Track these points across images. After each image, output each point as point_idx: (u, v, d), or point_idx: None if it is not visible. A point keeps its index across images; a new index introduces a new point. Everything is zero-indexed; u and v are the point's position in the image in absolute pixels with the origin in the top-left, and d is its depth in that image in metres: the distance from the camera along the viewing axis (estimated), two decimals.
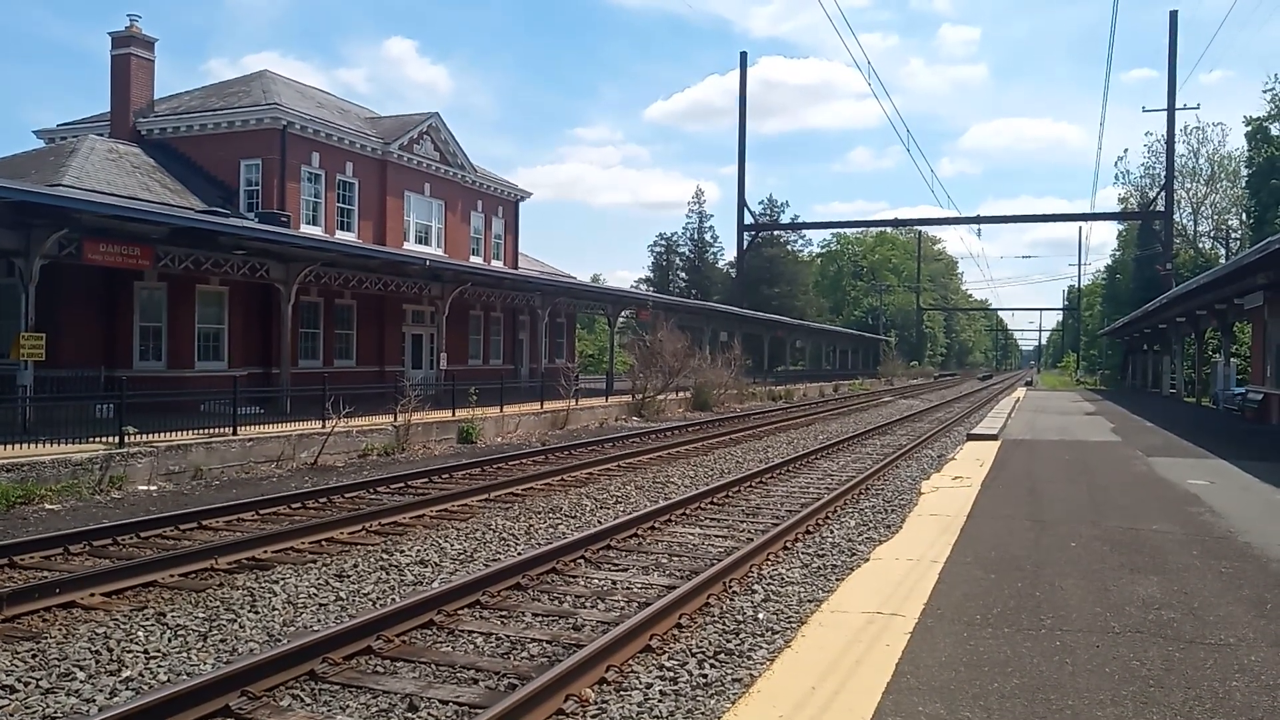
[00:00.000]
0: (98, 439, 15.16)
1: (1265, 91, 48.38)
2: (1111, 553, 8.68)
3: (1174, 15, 53.91)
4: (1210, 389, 38.13)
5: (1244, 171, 55.97)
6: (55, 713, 5.68)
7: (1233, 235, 65.04)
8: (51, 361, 18.03)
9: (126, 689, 6.06)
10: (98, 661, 6.54)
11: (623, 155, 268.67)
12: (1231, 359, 35.31)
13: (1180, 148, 64.36)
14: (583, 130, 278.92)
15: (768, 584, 8.79)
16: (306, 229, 28.82)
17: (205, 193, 27.63)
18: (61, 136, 30.97)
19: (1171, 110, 54.31)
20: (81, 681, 6.16)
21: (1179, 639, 6.09)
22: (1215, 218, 71.52)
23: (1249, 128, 48.64)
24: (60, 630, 7.26)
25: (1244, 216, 59.45)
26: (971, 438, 21.02)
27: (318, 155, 29.97)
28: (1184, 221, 69.28)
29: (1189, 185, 70.55)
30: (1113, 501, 11.75)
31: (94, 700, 5.87)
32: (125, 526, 10.77)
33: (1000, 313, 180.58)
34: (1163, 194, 56.55)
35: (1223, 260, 54.33)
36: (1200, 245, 69.54)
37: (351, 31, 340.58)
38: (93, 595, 8.00)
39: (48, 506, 12.80)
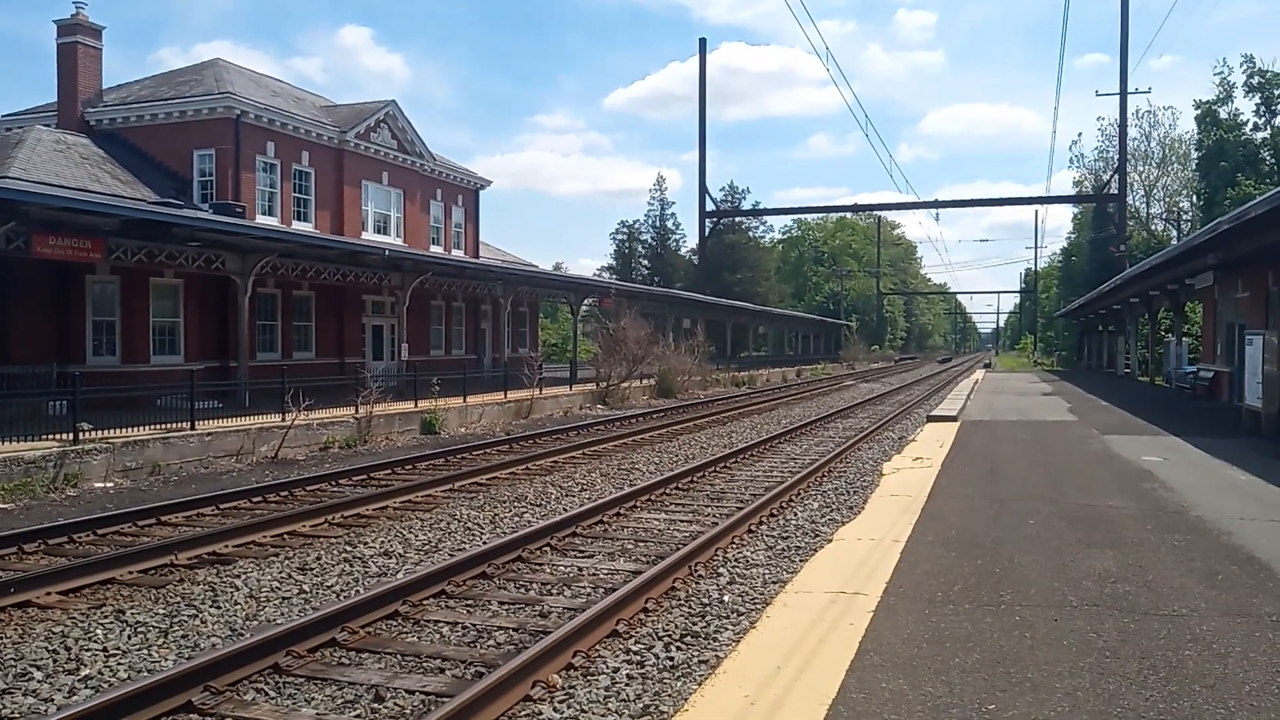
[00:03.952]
0: (51, 436, 14.88)
1: (1215, 75, 49.27)
2: (1069, 529, 8.84)
3: (1125, 1, 54.60)
4: (1163, 368, 38.89)
5: (1194, 154, 56.96)
6: (12, 713, 5.58)
7: (1184, 217, 66.21)
8: (0, 358, 17.62)
9: (85, 687, 5.97)
10: (55, 661, 6.43)
11: (583, 143, 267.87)
12: (1184, 338, 36.02)
13: (1132, 131, 65.41)
14: (542, 118, 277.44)
15: (733, 567, 8.85)
16: (262, 219, 28.41)
17: (158, 184, 27.12)
18: (6, 127, 30.22)
19: (1124, 95, 55.09)
20: (39, 681, 6.06)
21: (1134, 611, 6.22)
22: (1167, 200, 72.79)
23: (1199, 111, 49.49)
24: (16, 630, 7.13)
25: (1195, 198, 60.54)
26: (932, 419, 21.26)
27: (273, 144, 29.51)
28: (1137, 204, 70.47)
29: (1141, 168, 71.74)
30: (1070, 479, 11.96)
31: (52, 700, 5.77)
32: (81, 524, 10.59)
33: (959, 296, 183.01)
34: (1116, 177, 57.44)
35: (1174, 241, 55.36)
36: (1153, 227, 70.77)
37: (306, 20, 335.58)
38: (49, 594, 7.86)
39: (0, 506, 12.54)
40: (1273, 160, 45.93)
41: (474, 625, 7.13)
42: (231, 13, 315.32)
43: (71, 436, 14.81)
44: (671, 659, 6.32)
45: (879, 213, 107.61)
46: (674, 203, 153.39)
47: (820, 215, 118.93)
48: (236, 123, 28.02)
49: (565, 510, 11.70)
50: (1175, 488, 11.20)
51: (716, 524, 10.54)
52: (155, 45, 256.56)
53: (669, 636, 6.79)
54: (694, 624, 7.10)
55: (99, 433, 15.35)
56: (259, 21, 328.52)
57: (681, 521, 11.18)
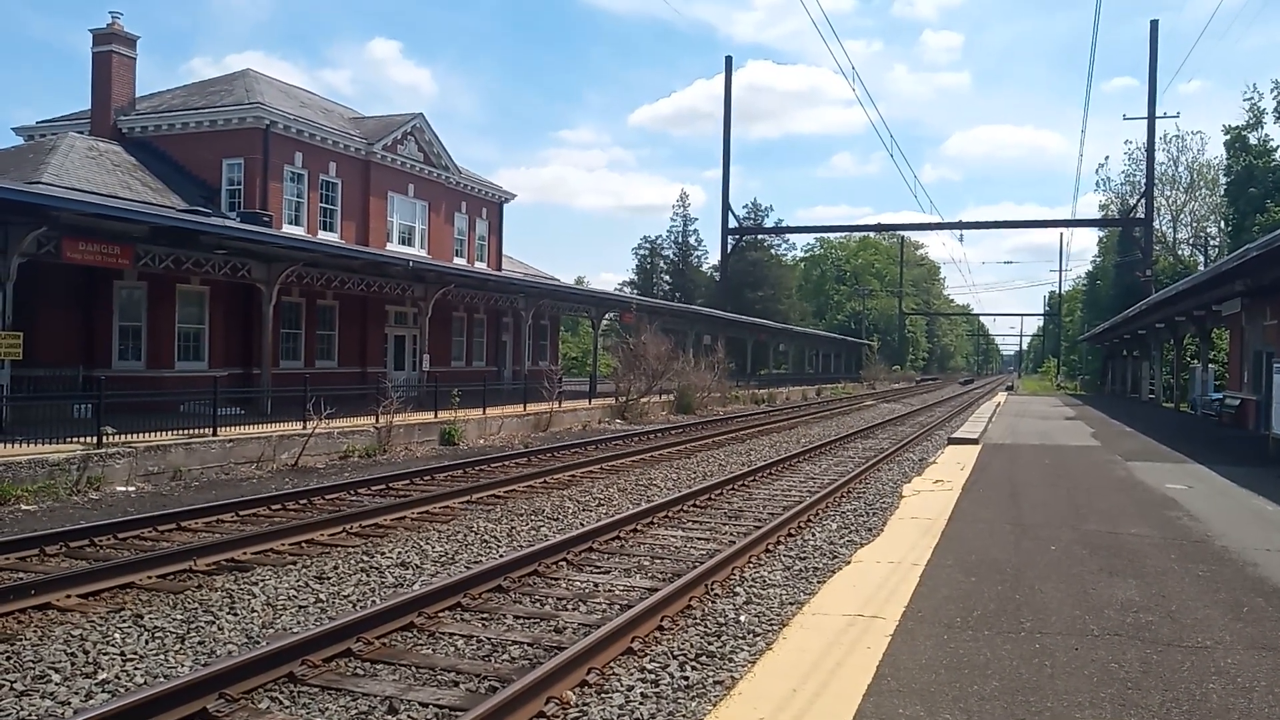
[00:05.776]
0: (75, 439, 15.02)
1: (1245, 100, 48.90)
2: (1090, 556, 8.74)
3: (1154, 25, 54.14)
4: (1189, 394, 38.46)
5: (1223, 180, 56.48)
6: (30, 715, 5.61)
7: (1211, 242, 65.64)
8: (29, 360, 17.83)
9: (103, 691, 6.00)
10: (73, 664, 6.47)
11: (608, 159, 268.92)
12: (1210, 365, 35.63)
13: (1160, 156, 64.84)
14: (567, 133, 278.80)
15: (750, 586, 8.80)
16: (289, 229, 28.65)
17: (187, 192, 27.43)
18: (41, 134, 30.69)
19: (1152, 119, 54.77)
20: (57, 684, 6.09)
21: (1157, 642, 6.13)
22: (1194, 225, 72.20)
23: (1228, 136, 49.07)
24: (35, 632, 7.18)
25: (1222, 224, 60.02)
26: (953, 442, 21.11)
27: (301, 155, 29.81)
28: (1164, 228, 69.89)
29: (1169, 193, 71.15)
30: (1092, 505, 11.82)
31: (69, 703, 5.80)
32: (102, 527, 10.67)
33: (982, 318, 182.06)
34: (1143, 201, 57.01)
35: (1201, 267, 54.84)
36: (1180, 252, 70.18)
37: (336, 33, 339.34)
38: (69, 596, 7.92)
39: (24, 507, 12.66)
40: None
41: (489, 639, 7.11)
42: (263, 24, 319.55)
43: (95, 440, 14.94)
44: (686, 679, 6.28)
45: (902, 233, 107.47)
46: (697, 219, 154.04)
47: (843, 234, 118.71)
48: (266, 133, 28.33)
49: (582, 525, 11.68)
50: (1200, 517, 11.05)
51: (734, 543, 10.48)
52: (188, 55, 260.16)
53: (684, 656, 6.74)
54: (710, 644, 7.05)
55: (122, 437, 15.49)
56: (290, 33, 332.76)
57: (699, 539, 11.14)
